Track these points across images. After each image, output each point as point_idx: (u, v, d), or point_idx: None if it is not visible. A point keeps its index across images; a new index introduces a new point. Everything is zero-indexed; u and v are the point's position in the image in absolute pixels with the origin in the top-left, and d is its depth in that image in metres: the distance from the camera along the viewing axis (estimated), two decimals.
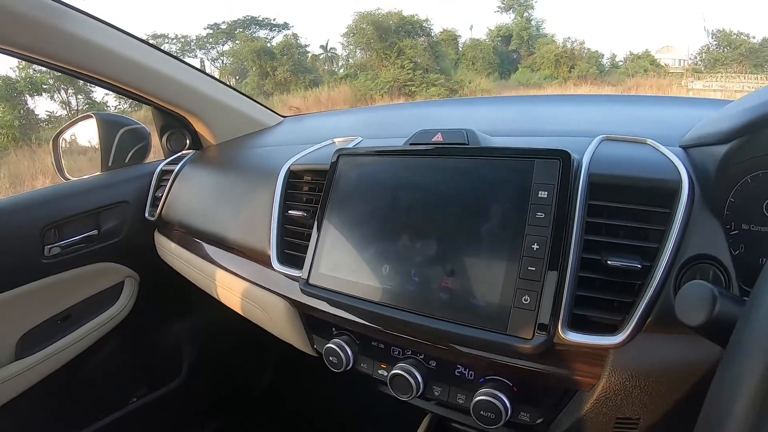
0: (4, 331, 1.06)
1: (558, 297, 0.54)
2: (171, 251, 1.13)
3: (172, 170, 1.18)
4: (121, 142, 1.27)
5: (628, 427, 0.56)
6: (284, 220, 0.81)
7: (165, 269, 1.20)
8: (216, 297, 0.99)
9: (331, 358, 0.72)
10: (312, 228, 0.74)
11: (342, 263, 0.69)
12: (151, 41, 1.20)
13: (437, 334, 0.59)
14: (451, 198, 0.63)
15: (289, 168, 0.85)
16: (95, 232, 1.18)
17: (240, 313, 0.93)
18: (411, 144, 0.71)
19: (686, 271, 0.53)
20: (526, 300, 0.55)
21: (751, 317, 0.34)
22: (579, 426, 0.58)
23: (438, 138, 0.69)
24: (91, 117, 1.26)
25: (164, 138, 1.28)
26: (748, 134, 0.53)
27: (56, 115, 17.60)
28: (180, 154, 1.26)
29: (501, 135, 0.74)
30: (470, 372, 0.64)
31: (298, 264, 0.76)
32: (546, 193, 0.57)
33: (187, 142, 1.28)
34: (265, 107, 1.37)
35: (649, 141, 0.64)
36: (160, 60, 1.13)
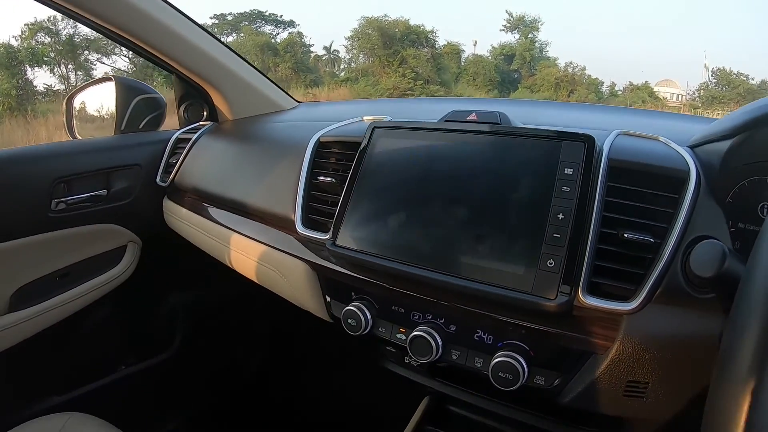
0: (1, 281, 1.07)
1: (579, 264, 0.61)
2: (181, 217, 1.16)
3: (188, 139, 1.22)
4: (136, 107, 1.30)
5: (636, 391, 0.61)
6: (311, 186, 0.86)
7: (168, 239, 1.23)
8: (228, 263, 1.02)
9: (349, 321, 0.76)
10: (338, 195, 0.79)
11: (371, 226, 0.73)
12: None
13: (466, 292, 0.64)
14: (483, 171, 0.69)
15: (318, 138, 0.90)
16: (104, 191, 1.20)
17: (253, 278, 0.96)
18: (446, 121, 0.77)
19: (692, 249, 0.58)
20: (551, 264, 0.61)
21: (752, 272, 0.40)
22: (591, 389, 0.63)
23: (473, 117, 0.76)
24: (111, 79, 1.29)
25: (182, 108, 1.31)
26: (748, 131, 0.61)
27: (54, 89, 17.54)
28: (197, 124, 1.30)
29: (527, 123, 0.81)
30: (489, 336, 0.69)
31: (321, 229, 0.81)
32: (571, 170, 0.64)
33: (205, 114, 1.31)
34: (283, 90, 1.42)
35: (661, 138, 0.72)
36: (188, 28, 1.17)
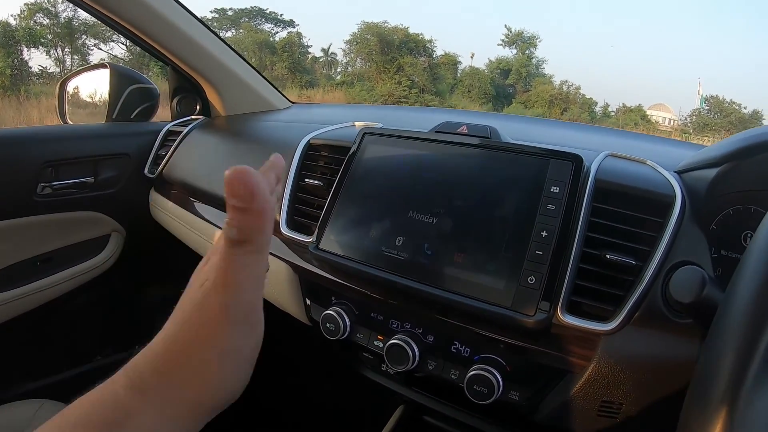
0: None
1: (560, 282, 0.61)
2: (166, 210, 1.15)
3: (179, 131, 1.20)
4: (129, 96, 1.29)
5: (610, 411, 0.61)
6: (297, 188, 0.85)
7: (152, 230, 1.21)
8: None
9: (327, 325, 0.75)
10: (324, 198, 0.78)
11: (354, 232, 0.73)
12: None
13: (445, 304, 0.64)
14: (470, 184, 0.69)
15: (308, 141, 0.89)
16: (91, 179, 1.18)
17: None
18: (436, 132, 0.77)
19: (673, 274, 0.58)
20: (532, 280, 0.61)
21: (729, 300, 0.40)
22: (565, 407, 0.63)
23: (463, 129, 0.76)
24: (105, 66, 1.28)
25: (175, 100, 1.30)
26: (736, 160, 0.61)
27: (49, 71, 17.41)
28: (189, 118, 1.28)
29: (516, 139, 0.81)
30: (466, 349, 0.68)
31: (305, 231, 0.80)
32: (558, 188, 0.64)
33: (197, 108, 1.30)
34: (278, 90, 1.41)
35: (649, 162, 0.72)
36: (186, 21, 1.15)
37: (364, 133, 0.80)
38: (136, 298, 1.37)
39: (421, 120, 1.06)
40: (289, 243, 0.83)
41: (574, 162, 0.65)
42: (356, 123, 0.93)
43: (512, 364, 0.66)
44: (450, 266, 0.65)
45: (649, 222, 0.63)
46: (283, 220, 0.83)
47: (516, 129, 1.06)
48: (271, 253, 0.84)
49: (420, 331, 0.71)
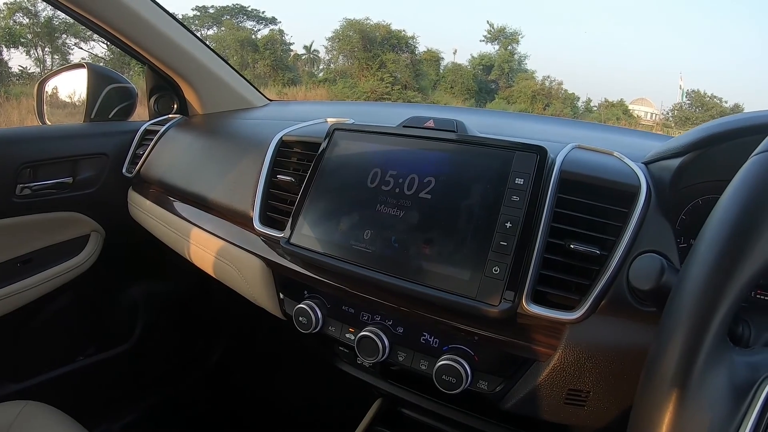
0: None
1: (524, 272, 0.61)
2: (145, 209, 1.13)
3: (156, 130, 1.18)
4: (107, 96, 1.27)
5: (578, 399, 0.61)
6: (270, 184, 0.84)
7: (132, 230, 1.20)
8: (187, 256, 1.00)
9: (300, 319, 0.75)
10: (297, 194, 0.78)
11: (324, 226, 0.72)
12: None
13: (412, 295, 0.63)
14: (436, 177, 0.68)
15: (281, 137, 0.88)
16: (70, 179, 1.16)
17: (210, 272, 0.94)
18: (404, 126, 0.77)
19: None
20: (496, 270, 0.60)
21: (681, 283, 0.40)
22: (533, 395, 0.63)
23: (430, 124, 0.75)
24: (83, 66, 1.26)
25: (153, 99, 1.28)
26: (699, 149, 0.61)
27: (29, 71, 17.08)
28: (166, 117, 1.27)
29: (484, 133, 0.81)
30: (435, 340, 0.68)
31: (278, 227, 0.80)
32: (522, 180, 0.64)
33: (175, 106, 1.28)
34: (255, 88, 1.40)
35: (615, 153, 0.72)
36: (162, 19, 1.13)
37: (334, 129, 0.79)
38: (117, 297, 1.35)
39: (395, 115, 1.05)
40: (263, 239, 0.83)
41: (539, 154, 0.65)
42: (328, 119, 0.92)
43: (480, 354, 0.66)
44: (416, 258, 0.65)
45: (614, 212, 0.63)
46: (256, 216, 0.82)
47: (486, 123, 1.05)
48: (245, 249, 0.84)
49: (390, 323, 0.71)
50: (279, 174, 0.84)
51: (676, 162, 0.64)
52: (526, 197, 0.63)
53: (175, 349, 1.45)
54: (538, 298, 0.61)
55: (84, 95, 1.27)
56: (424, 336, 0.69)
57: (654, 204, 0.62)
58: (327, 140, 0.79)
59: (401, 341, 0.70)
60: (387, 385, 0.88)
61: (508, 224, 0.62)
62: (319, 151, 0.78)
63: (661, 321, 0.41)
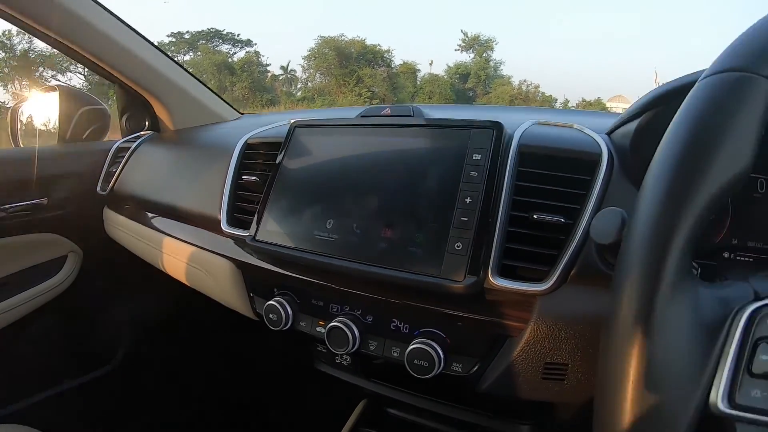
0: None
1: (488, 246, 0.58)
2: (119, 225, 1.10)
3: (129, 147, 1.17)
4: (80, 119, 1.24)
5: (556, 373, 0.58)
6: (237, 186, 0.82)
7: (110, 249, 1.17)
8: (162, 267, 0.97)
9: (270, 316, 0.72)
10: (261, 194, 0.75)
11: (288, 220, 0.70)
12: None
13: (376, 278, 0.61)
14: (396, 162, 0.67)
15: (246, 141, 0.86)
16: (45, 200, 1.13)
17: (183, 280, 0.91)
18: (362, 117, 0.75)
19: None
20: (459, 246, 0.58)
21: (631, 226, 0.38)
22: (509, 373, 0.60)
23: (386, 111, 0.74)
24: (55, 90, 1.24)
25: (124, 118, 1.26)
26: (653, 108, 0.59)
27: (7, 105, 16.99)
28: (138, 134, 1.25)
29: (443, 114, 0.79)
30: (405, 325, 0.65)
31: (245, 227, 0.77)
32: (479, 156, 0.62)
33: (146, 124, 1.26)
34: (227, 103, 1.38)
35: (575, 125, 0.70)
36: (131, 39, 1.12)
37: (295, 126, 0.77)
38: (99, 317, 1.31)
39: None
40: (231, 241, 0.80)
41: (495, 129, 0.63)
42: (291, 120, 0.91)
43: (452, 336, 0.64)
44: (379, 242, 0.63)
45: (576, 181, 0.61)
46: (223, 218, 0.80)
47: (446, 112, 1.04)
48: (215, 252, 0.81)
49: (359, 313, 0.68)
50: (244, 175, 0.82)
51: (633, 125, 0.62)
52: (484, 172, 0.61)
53: (162, 367, 1.41)
54: (506, 273, 0.59)
55: (57, 119, 1.25)
56: (394, 322, 0.66)
57: (617, 169, 0.60)
58: (288, 137, 0.77)
59: (371, 330, 0.68)
60: (370, 384, 0.85)
61: (468, 200, 0.60)
62: (281, 148, 0.76)
63: (616, 267, 0.38)
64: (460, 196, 0.61)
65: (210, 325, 1.44)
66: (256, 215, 0.73)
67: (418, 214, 0.62)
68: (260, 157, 0.84)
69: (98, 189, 1.17)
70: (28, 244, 1.13)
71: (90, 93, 1.33)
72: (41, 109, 1.33)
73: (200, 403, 1.48)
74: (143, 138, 1.19)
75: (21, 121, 1.32)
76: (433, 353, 0.61)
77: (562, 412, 0.74)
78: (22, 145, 1.28)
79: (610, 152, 0.61)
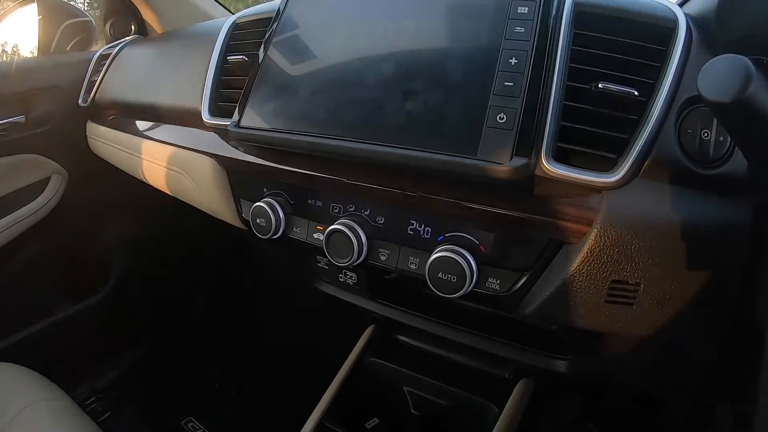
0: None
1: (541, 120, 0.43)
2: (101, 136, 0.97)
3: (112, 54, 1.02)
4: (63, 34, 1.10)
5: (623, 295, 0.44)
6: (221, 71, 0.67)
7: (96, 169, 1.04)
8: (141, 176, 0.84)
9: (258, 221, 0.58)
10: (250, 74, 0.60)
11: (280, 100, 0.55)
12: None
13: (391, 162, 0.47)
14: (415, 17, 0.50)
15: (234, 21, 0.70)
16: (22, 118, 1.00)
17: (164, 188, 0.78)
18: None
19: (686, 114, 0.43)
20: (502, 118, 0.43)
21: None
22: (562, 293, 0.46)
23: None
24: (33, 1, 1.08)
25: (108, 24, 1.11)
26: None
27: None
28: (122, 40, 1.09)
29: None
30: (426, 228, 0.50)
31: (230, 116, 0.61)
32: (526, 8, 0.46)
33: (132, 28, 1.11)
34: (219, 3, 1.21)
35: None
36: None
37: None
38: (87, 243, 1.20)
39: None
40: (215, 134, 0.66)
41: None
42: None
43: (487, 243, 0.49)
44: (395, 116, 0.47)
45: (647, 50, 0.45)
46: (205, 107, 0.65)
47: None
48: (194, 150, 0.67)
49: (366, 213, 0.53)
50: (230, 57, 0.66)
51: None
52: (533, 27, 0.45)
53: (155, 295, 1.30)
54: (561, 158, 0.44)
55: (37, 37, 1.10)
56: (412, 225, 0.51)
57: (697, 41, 0.45)
58: (283, 4, 0.60)
59: (383, 234, 0.53)
60: (377, 307, 0.71)
61: (513, 60, 0.45)
62: (274, 17, 0.60)
63: None
64: (503, 57, 0.45)
65: (203, 245, 1.33)
66: (240, 99, 0.58)
67: (447, 79, 0.47)
68: (250, 36, 0.68)
69: (80, 101, 1.03)
70: (7, 167, 1.00)
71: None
72: (18, 25, 1.18)
73: (197, 326, 1.39)
74: (126, 41, 1.03)
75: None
76: (464, 264, 0.46)
77: (614, 345, 0.60)
78: None
79: (687, 20, 0.46)
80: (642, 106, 0.44)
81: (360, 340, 0.82)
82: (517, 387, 0.74)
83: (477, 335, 0.70)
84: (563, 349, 0.66)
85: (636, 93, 0.43)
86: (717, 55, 0.43)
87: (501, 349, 0.69)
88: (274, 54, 0.58)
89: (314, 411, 0.77)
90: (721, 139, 0.42)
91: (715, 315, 0.48)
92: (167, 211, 1.19)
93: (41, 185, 1.06)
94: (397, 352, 0.83)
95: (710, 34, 0.46)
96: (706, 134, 0.43)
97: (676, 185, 0.42)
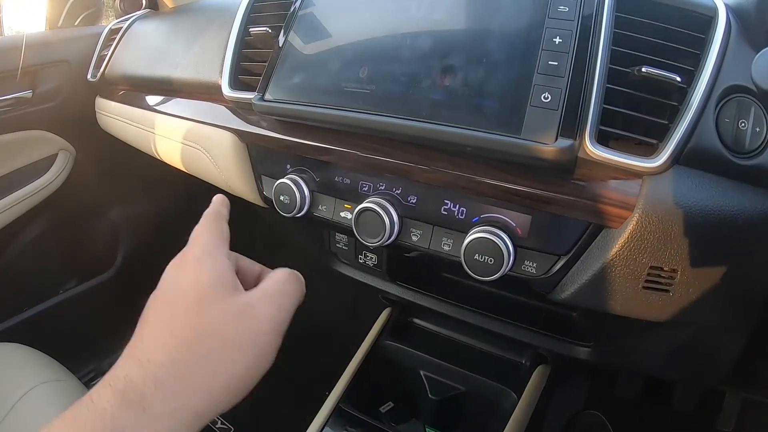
0: None
1: (585, 102, 0.42)
2: (111, 112, 0.93)
3: (122, 28, 0.98)
4: (72, 8, 1.07)
5: (661, 282, 0.43)
6: (243, 44, 0.64)
7: (104, 145, 1.01)
8: (155, 153, 0.81)
9: (281, 198, 0.55)
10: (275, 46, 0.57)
11: (307, 72, 0.52)
12: None
13: (429, 137, 0.45)
14: None
15: None
16: (29, 93, 0.96)
17: (180, 165, 0.76)
18: None
19: (726, 101, 0.42)
20: (547, 98, 0.41)
21: None
22: (600, 278, 0.45)
23: None
24: None
25: None
26: None
27: None
28: (133, 14, 1.06)
29: None
30: (460, 209, 0.48)
31: (252, 90, 0.60)
32: None
33: (144, 2, 1.07)
34: None
35: None
36: None
37: None
38: (95, 221, 1.17)
39: None
40: (234, 108, 0.63)
41: None
42: None
43: (524, 225, 0.47)
44: (433, 92, 0.45)
45: (688, 36, 0.45)
46: (225, 80, 0.62)
47: None
48: (213, 124, 0.65)
49: (398, 192, 0.51)
50: (252, 29, 0.63)
51: None
52: (578, 6, 0.44)
53: (162, 274, 1.27)
54: (603, 141, 0.42)
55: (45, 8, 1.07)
56: (446, 205, 0.49)
57: (736, 30, 0.45)
58: None
59: (415, 214, 0.51)
60: (397, 289, 0.70)
61: (557, 39, 0.43)
62: None
63: None
64: (547, 35, 0.43)
65: None
66: (264, 71, 0.56)
67: (489, 56, 0.45)
68: (272, 9, 0.65)
69: (89, 76, 0.99)
70: (13, 144, 0.96)
71: None
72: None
73: None
74: (138, 16, 0.99)
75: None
76: (502, 246, 0.45)
77: (639, 332, 0.59)
78: (5, 32, 1.10)
79: (727, 10, 0.45)
80: (682, 93, 0.43)
81: (376, 323, 0.80)
82: (535, 373, 0.73)
83: (496, 319, 0.69)
84: (586, 335, 0.65)
85: (678, 79, 0.42)
86: (756, 46, 0.43)
87: (521, 334, 0.68)
88: (301, 25, 0.55)
89: (331, 394, 0.75)
90: (758, 129, 0.41)
91: (747, 305, 0.48)
92: (175, 189, 1.16)
93: (48, 162, 1.03)
94: (413, 336, 0.81)
95: (750, 24, 0.45)
96: (743, 124, 0.42)
97: (713, 174, 0.42)
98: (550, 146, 0.40)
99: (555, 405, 0.89)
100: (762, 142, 0.41)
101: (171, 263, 0.34)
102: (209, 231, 0.35)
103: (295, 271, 0.34)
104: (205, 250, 0.33)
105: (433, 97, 0.45)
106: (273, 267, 0.36)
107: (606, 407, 0.95)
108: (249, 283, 0.34)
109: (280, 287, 0.32)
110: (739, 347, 0.55)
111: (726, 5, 0.46)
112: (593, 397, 0.96)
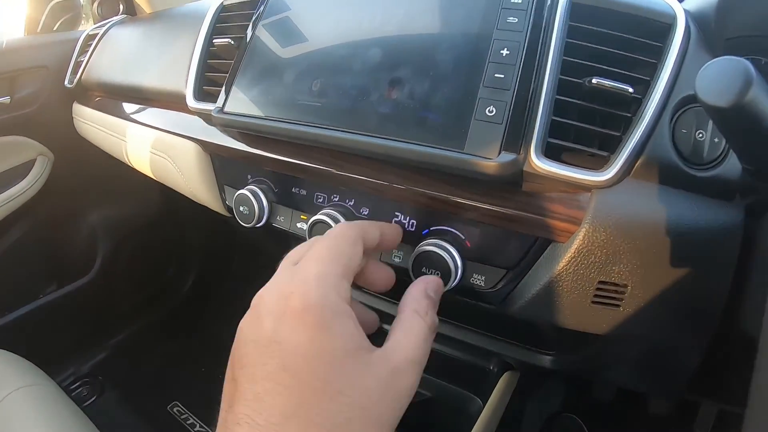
0: None
1: (531, 115, 0.41)
2: (87, 118, 0.93)
3: (99, 34, 0.99)
4: (51, 13, 1.08)
5: (610, 297, 0.43)
6: (207, 54, 0.64)
7: (82, 151, 1.01)
8: (126, 159, 0.81)
9: (242, 209, 0.56)
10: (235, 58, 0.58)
11: (264, 85, 0.52)
12: None
13: (374, 153, 0.44)
14: (405, 5, 0.48)
15: (222, 2, 0.67)
16: (7, 99, 0.97)
17: (149, 172, 0.76)
18: None
19: (683, 111, 0.41)
20: (491, 112, 0.41)
21: None
22: (549, 292, 0.44)
23: None
24: None
25: (96, 3, 1.08)
26: None
27: None
28: (110, 20, 1.06)
29: None
30: (410, 221, 0.49)
31: (215, 100, 0.59)
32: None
33: (121, 7, 1.08)
34: None
35: None
36: None
37: None
38: (73, 225, 1.17)
39: None
40: (199, 119, 0.64)
41: None
42: None
43: (473, 238, 0.47)
44: (381, 105, 0.45)
45: (644, 45, 0.43)
46: (190, 91, 0.62)
47: None
48: (178, 134, 0.65)
49: (351, 204, 0.52)
50: (217, 40, 0.63)
51: None
52: (527, 18, 0.43)
53: (141, 278, 1.28)
54: (550, 154, 0.42)
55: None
56: (397, 217, 0.49)
57: (695, 38, 0.43)
58: None
59: None
60: (360, 296, 0.70)
61: (505, 51, 0.42)
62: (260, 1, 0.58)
63: None
64: (494, 47, 0.43)
65: (191, 227, 1.31)
66: (225, 83, 0.56)
67: (435, 69, 0.44)
68: (237, 19, 0.65)
69: (66, 82, 0.99)
70: None
71: None
72: (5, 3, 1.14)
73: (184, 310, 1.37)
74: (114, 21, 1.00)
75: None
76: (448, 259, 0.44)
77: (598, 344, 0.59)
78: None
79: (686, 16, 0.44)
80: (636, 104, 0.42)
81: None
82: (501, 379, 0.73)
83: (461, 327, 0.69)
84: (548, 344, 0.65)
85: (631, 90, 0.41)
86: (715, 54, 0.42)
87: (485, 342, 0.68)
88: (260, 38, 0.55)
89: None
90: (716, 140, 0.40)
91: (704, 318, 0.47)
92: (153, 194, 1.16)
93: (26, 167, 1.04)
94: (379, 342, 0.81)
95: (709, 31, 0.44)
96: (700, 135, 0.41)
97: (667, 186, 0.41)
98: (492, 161, 0.40)
99: (531, 408, 0.89)
100: (721, 153, 0.40)
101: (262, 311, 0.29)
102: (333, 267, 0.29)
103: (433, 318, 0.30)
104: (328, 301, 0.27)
105: (380, 110, 0.45)
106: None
107: (584, 410, 0.95)
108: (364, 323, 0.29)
109: (425, 347, 0.28)
110: (696, 362, 0.55)
111: (685, 12, 0.45)
112: (571, 400, 0.96)
